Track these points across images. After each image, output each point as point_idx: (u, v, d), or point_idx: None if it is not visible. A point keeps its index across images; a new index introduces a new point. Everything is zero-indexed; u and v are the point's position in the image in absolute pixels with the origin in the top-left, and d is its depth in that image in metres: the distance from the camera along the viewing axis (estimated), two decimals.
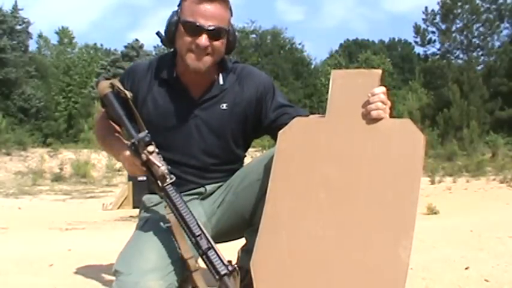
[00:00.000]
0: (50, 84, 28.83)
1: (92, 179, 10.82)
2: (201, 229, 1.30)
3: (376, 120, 1.30)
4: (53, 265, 2.20)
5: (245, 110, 1.53)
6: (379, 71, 1.37)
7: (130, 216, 5.04)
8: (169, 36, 1.46)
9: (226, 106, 1.51)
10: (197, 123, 1.50)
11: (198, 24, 1.39)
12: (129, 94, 1.43)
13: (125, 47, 27.63)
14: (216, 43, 1.42)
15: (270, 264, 1.26)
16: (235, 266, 1.29)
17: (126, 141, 1.42)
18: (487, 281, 1.82)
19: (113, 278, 1.35)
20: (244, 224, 1.50)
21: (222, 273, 1.25)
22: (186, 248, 1.32)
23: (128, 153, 1.37)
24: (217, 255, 1.28)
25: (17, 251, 2.66)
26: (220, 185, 1.55)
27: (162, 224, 1.42)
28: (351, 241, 1.23)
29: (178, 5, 1.46)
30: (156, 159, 1.32)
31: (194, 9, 1.40)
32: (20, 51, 25.16)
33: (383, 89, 1.31)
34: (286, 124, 1.39)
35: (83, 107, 23.03)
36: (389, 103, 1.32)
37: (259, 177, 1.47)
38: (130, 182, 5.64)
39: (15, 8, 25.91)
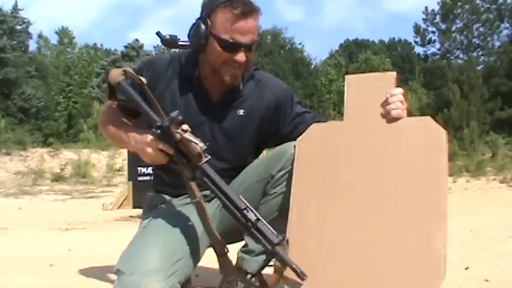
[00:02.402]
0: (50, 84, 28.83)
1: (92, 179, 10.81)
2: (245, 203, 1.28)
3: (396, 119, 1.31)
4: (53, 265, 2.20)
5: (262, 118, 1.53)
6: (394, 73, 1.39)
7: (130, 216, 5.04)
8: (198, 47, 1.43)
9: (243, 112, 1.51)
10: (212, 126, 1.50)
11: (236, 42, 1.38)
12: (143, 79, 1.37)
13: (125, 47, 27.64)
14: (250, 55, 1.43)
15: (305, 271, 1.24)
16: (285, 235, 1.28)
17: (147, 127, 1.37)
18: (487, 281, 1.82)
19: (114, 278, 1.35)
20: None
21: (275, 242, 1.24)
22: (215, 232, 1.32)
23: (150, 138, 1.33)
24: (266, 225, 1.26)
25: (17, 251, 2.66)
26: None
27: (167, 223, 1.42)
28: (384, 240, 1.23)
29: (205, 14, 1.41)
30: (192, 137, 1.28)
31: (230, 27, 1.37)
32: (20, 51, 25.14)
33: (400, 89, 1.33)
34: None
35: (83, 107, 23.03)
36: (406, 103, 1.34)
37: (258, 179, 1.48)
38: (131, 182, 5.63)
39: (15, 8, 25.90)
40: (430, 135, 1.29)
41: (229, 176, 1.55)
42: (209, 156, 1.30)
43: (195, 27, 1.43)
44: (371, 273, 1.21)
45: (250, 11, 1.38)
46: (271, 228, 1.27)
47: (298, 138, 1.39)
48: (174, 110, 1.46)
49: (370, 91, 1.36)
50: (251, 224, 1.26)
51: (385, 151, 1.31)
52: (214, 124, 1.50)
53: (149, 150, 1.34)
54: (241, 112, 1.51)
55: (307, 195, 1.33)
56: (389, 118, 1.32)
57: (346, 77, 1.43)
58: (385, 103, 1.32)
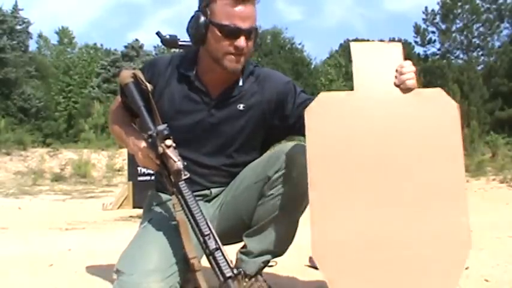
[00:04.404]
0: (50, 84, 28.83)
1: (92, 179, 10.81)
2: (210, 229, 1.29)
3: (408, 90, 1.32)
4: (53, 265, 2.20)
5: (263, 112, 1.53)
6: (400, 44, 1.39)
7: (130, 216, 5.03)
8: (198, 38, 1.44)
9: (244, 107, 1.51)
10: (212, 121, 1.50)
11: (237, 27, 1.39)
12: (149, 87, 1.42)
13: (125, 47, 27.64)
14: (250, 43, 1.43)
15: (332, 251, 1.25)
16: (241, 269, 1.29)
17: (142, 133, 1.41)
18: (487, 281, 1.81)
19: (114, 278, 1.35)
20: (243, 226, 1.50)
21: (227, 275, 1.24)
22: (190, 248, 1.32)
23: (143, 144, 1.38)
24: (224, 257, 1.27)
25: (17, 251, 2.66)
26: (224, 189, 1.55)
27: (167, 223, 1.42)
28: (408, 215, 1.25)
29: (205, 6, 1.43)
30: (173, 154, 1.32)
31: (230, 12, 1.39)
32: (20, 51, 25.16)
33: (410, 62, 1.33)
34: None
35: (83, 107, 23.02)
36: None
37: (256, 180, 1.48)
38: (131, 182, 5.63)
39: (15, 8, 25.93)
40: (444, 106, 1.32)
41: (231, 173, 1.55)
42: (188, 175, 1.33)
43: (194, 19, 1.44)
44: (400, 249, 1.23)
45: None
46: (229, 259, 1.28)
47: (306, 108, 1.34)
48: (172, 109, 1.48)
49: (378, 59, 1.35)
50: (208, 252, 1.27)
51: (399, 121, 1.31)
52: (214, 120, 1.50)
53: (140, 156, 1.39)
54: (241, 107, 1.51)
55: (325, 172, 1.29)
56: (404, 88, 1.31)
57: (351, 43, 1.39)
58: (399, 73, 1.32)
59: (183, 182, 1.32)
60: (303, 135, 1.48)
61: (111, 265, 1.40)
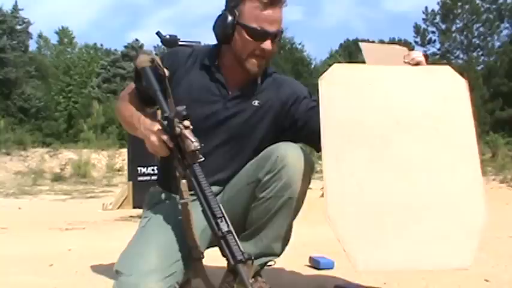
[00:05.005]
0: (50, 84, 28.83)
1: (92, 179, 10.80)
2: (222, 212, 1.29)
3: (417, 65, 1.44)
4: (53, 265, 2.20)
5: (278, 112, 1.54)
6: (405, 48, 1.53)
7: (131, 216, 5.02)
8: (223, 37, 1.46)
9: (259, 103, 1.53)
10: (226, 115, 1.51)
11: (264, 30, 1.42)
12: (167, 72, 1.42)
13: (125, 47, 27.64)
14: (274, 45, 1.46)
15: (346, 214, 1.26)
16: (251, 255, 1.28)
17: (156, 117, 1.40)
18: (487, 281, 1.81)
19: (114, 278, 1.35)
20: (239, 228, 1.49)
21: (238, 258, 1.24)
22: (195, 236, 1.31)
23: (157, 127, 1.36)
24: (236, 240, 1.26)
25: (17, 251, 2.66)
26: (223, 189, 1.55)
27: (166, 222, 1.42)
28: (422, 179, 1.30)
29: (233, 7, 1.44)
30: (191, 135, 1.31)
31: (258, 15, 1.41)
32: (20, 51, 25.16)
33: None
34: (317, 126, 1.44)
35: (83, 107, 23.02)
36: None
37: (248, 181, 1.47)
38: (131, 182, 5.61)
39: (15, 8, 25.94)
40: (453, 81, 1.41)
41: (235, 172, 1.54)
42: (202, 158, 1.32)
43: (221, 18, 1.46)
44: (413, 214, 1.26)
45: (277, 1, 1.43)
46: (240, 245, 1.27)
47: (320, 77, 1.38)
48: (189, 98, 1.48)
49: (388, 56, 1.46)
50: (221, 234, 1.26)
51: (410, 91, 1.39)
52: (228, 113, 1.51)
53: (153, 138, 1.36)
54: (256, 103, 1.53)
55: (337, 137, 1.31)
56: (413, 63, 1.46)
57: (360, 44, 1.49)
58: (408, 54, 1.48)
59: (197, 164, 1.31)
60: (308, 141, 1.49)
61: (111, 265, 1.41)
